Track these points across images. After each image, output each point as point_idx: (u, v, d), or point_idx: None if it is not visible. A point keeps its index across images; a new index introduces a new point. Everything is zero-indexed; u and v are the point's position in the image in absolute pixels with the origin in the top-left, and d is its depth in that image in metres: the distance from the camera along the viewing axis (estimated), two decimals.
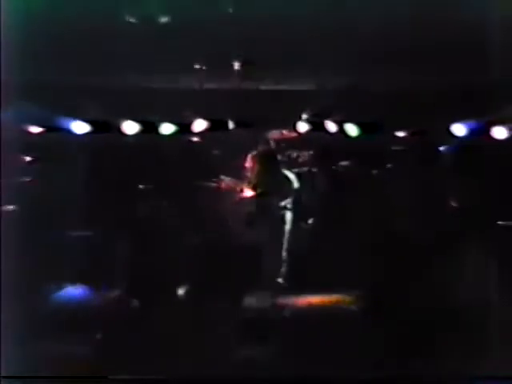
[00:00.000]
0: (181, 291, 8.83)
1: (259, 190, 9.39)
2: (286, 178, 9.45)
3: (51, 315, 8.07)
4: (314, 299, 8.73)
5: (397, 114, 9.28)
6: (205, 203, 9.49)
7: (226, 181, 9.60)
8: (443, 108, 9.17)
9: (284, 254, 9.29)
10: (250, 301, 8.60)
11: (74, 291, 8.73)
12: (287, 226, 9.37)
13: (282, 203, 9.40)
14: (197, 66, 9.12)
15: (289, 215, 9.38)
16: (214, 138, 9.76)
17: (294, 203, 9.43)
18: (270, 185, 9.44)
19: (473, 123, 9.53)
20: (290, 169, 9.58)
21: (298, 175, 9.51)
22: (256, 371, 7.31)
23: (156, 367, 7.13)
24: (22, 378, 6.82)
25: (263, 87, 9.48)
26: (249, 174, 9.52)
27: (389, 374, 7.04)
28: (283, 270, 9.27)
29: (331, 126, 9.61)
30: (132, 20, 8.06)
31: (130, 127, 9.59)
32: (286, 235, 9.36)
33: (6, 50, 7.19)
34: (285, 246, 9.34)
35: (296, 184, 9.46)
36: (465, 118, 9.49)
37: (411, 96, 9.17)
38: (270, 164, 9.51)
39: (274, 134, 9.75)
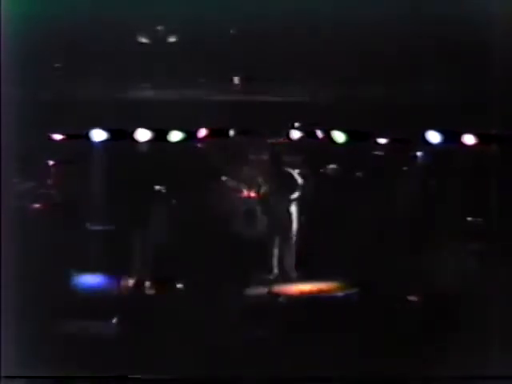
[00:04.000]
0: (186, 282, 9.35)
1: (261, 191, 10.12)
2: (290, 177, 10.00)
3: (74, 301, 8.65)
4: (306, 287, 9.41)
5: (379, 122, 9.87)
6: (210, 202, 10.09)
7: (229, 182, 10.25)
8: (419, 118, 9.75)
9: (276, 248, 9.97)
10: (249, 290, 9.21)
11: (93, 279, 9.46)
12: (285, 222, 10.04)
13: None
14: (202, 80, 9.88)
15: (288, 211, 10.01)
16: (216, 145, 10.32)
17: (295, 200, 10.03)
18: (271, 185, 10.11)
19: (445, 131, 10.19)
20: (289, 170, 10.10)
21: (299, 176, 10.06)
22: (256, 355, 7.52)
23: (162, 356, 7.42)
24: (21, 378, 6.85)
25: (260, 99, 10.00)
26: (250, 176, 10.25)
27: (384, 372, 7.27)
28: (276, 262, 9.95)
29: (320, 134, 10.27)
30: (143, 40, 8.96)
31: (143, 135, 10.23)
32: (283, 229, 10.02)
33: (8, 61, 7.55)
34: (278, 240, 10.03)
35: (298, 183, 10.03)
36: (438, 126, 10.11)
37: (392, 107, 9.78)
38: (269, 166, 10.17)
39: (270, 141, 10.36)
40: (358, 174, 10.38)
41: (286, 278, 9.79)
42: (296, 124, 10.25)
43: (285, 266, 9.97)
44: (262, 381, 7.19)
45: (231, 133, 10.24)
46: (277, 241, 10.03)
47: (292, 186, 10.10)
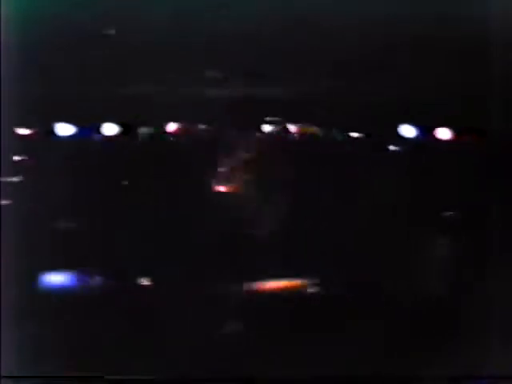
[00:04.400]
0: (157, 280, 9.03)
1: (245, 189, 9.92)
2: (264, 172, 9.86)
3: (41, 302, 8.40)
4: (277, 284, 9.26)
5: (352, 116, 9.78)
6: (183, 197, 9.92)
7: (213, 179, 9.99)
8: (393, 111, 9.69)
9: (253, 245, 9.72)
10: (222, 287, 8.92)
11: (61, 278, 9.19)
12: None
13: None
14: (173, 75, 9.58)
15: (265, 206, 9.83)
16: (194, 140, 10.10)
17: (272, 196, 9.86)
18: (245, 180, 9.93)
19: (419, 125, 10.05)
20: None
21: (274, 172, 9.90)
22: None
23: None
24: (22, 377, 7.02)
25: (237, 93, 9.86)
26: (230, 172, 9.99)
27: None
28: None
29: (293, 128, 10.12)
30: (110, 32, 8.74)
31: (110, 129, 9.98)
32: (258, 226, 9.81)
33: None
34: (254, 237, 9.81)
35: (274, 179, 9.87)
36: (412, 120, 10.00)
37: (365, 100, 9.66)
38: (255, 165, 10.00)
39: (248, 136, 10.16)
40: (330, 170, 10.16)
41: (263, 275, 9.55)
42: (268, 118, 10.16)
43: (262, 261, 9.72)
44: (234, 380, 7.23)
45: (202, 127, 10.17)
46: (254, 237, 9.83)
47: (267, 181, 9.97)
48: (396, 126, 9.99)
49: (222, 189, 9.81)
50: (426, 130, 10.05)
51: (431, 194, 9.69)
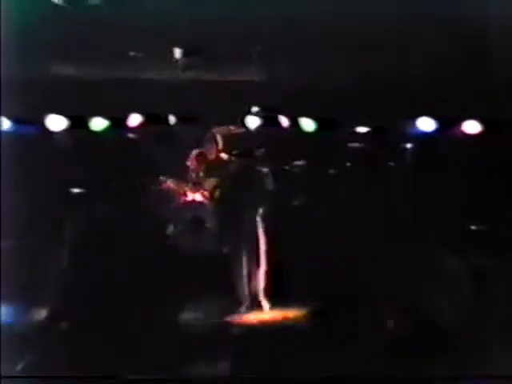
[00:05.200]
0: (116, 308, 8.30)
1: (216, 194, 8.90)
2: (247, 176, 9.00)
3: None
4: (267, 315, 8.48)
5: (356, 107, 8.77)
6: (143, 208, 8.86)
7: (167, 182, 8.97)
8: (407, 102, 8.67)
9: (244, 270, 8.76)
10: (196, 316, 8.33)
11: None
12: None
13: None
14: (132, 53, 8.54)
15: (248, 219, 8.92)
16: (152, 135, 9.09)
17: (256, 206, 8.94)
18: (224, 186, 8.96)
19: (440, 117, 9.01)
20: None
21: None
22: None
23: None
24: (22, 377, 7.05)
25: (207, 77, 8.88)
26: (193, 175, 8.98)
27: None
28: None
29: (284, 121, 9.04)
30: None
31: (57, 122, 8.86)
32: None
33: None
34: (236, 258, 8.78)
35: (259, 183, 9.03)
36: (430, 112, 8.99)
37: (372, 89, 8.63)
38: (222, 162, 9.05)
39: (220, 130, 9.07)
40: (332, 171, 9.19)
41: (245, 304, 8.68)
42: (253, 109, 9.01)
43: (245, 289, 8.72)
44: None
45: (172, 120, 9.05)
46: (235, 258, 8.74)
47: (251, 187, 8.95)
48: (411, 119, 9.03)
49: (195, 198, 8.94)
50: (448, 124, 9.04)
51: (455, 203, 8.78)
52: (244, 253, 8.70)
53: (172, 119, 9.02)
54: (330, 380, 7.37)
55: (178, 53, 8.59)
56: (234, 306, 8.55)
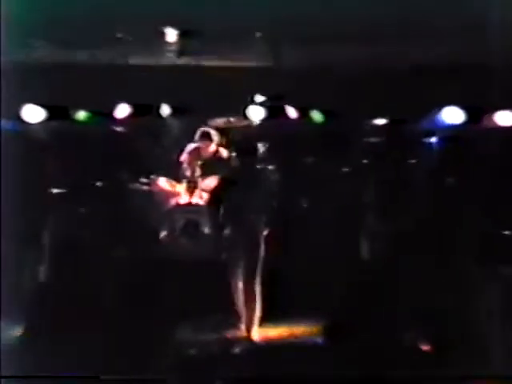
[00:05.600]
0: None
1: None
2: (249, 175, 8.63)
3: None
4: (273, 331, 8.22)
5: (374, 97, 8.31)
6: (132, 211, 8.57)
7: (159, 182, 8.59)
8: (431, 90, 8.27)
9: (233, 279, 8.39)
10: (189, 333, 8.12)
11: None
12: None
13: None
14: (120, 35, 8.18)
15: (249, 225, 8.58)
16: (142, 128, 8.78)
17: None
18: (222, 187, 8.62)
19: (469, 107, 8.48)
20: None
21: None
22: None
23: None
24: (22, 377, 7.19)
25: (205, 63, 8.60)
26: (188, 174, 8.56)
27: None
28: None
29: (292, 112, 8.61)
30: None
31: (33, 114, 8.48)
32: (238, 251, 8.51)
33: None
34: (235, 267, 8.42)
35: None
36: (457, 101, 8.49)
37: (392, 75, 8.25)
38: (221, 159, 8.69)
39: (219, 123, 8.72)
40: (346, 169, 8.74)
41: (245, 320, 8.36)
42: (257, 98, 8.61)
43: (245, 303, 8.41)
44: None
45: (164, 111, 8.67)
46: (233, 268, 8.39)
47: (254, 187, 8.58)
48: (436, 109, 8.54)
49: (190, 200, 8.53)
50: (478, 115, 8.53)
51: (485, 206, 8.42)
52: (242, 262, 8.42)
53: (164, 110, 8.70)
54: None
55: (171, 34, 8.23)
56: (235, 320, 8.24)
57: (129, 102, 8.65)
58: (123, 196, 8.61)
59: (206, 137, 8.57)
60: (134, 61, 8.54)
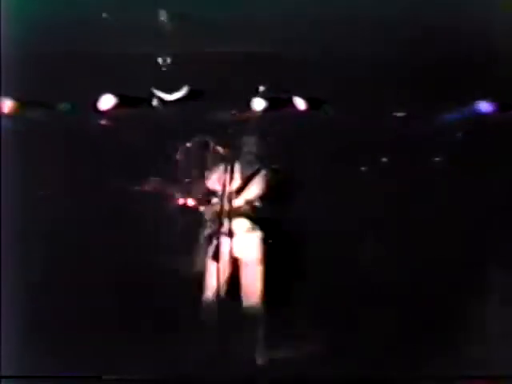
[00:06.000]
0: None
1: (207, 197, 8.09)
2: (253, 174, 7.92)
3: None
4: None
5: (394, 88, 7.88)
6: (122, 214, 8.47)
7: (151, 182, 8.27)
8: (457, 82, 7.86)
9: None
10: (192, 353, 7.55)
11: None
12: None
13: None
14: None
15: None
16: (130, 120, 8.52)
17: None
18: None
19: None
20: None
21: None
22: None
23: None
24: (22, 377, 7.14)
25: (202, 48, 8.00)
26: (184, 173, 8.14)
27: None
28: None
29: (300, 103, 8.17)
30: None
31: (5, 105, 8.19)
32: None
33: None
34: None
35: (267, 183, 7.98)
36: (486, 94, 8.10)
37: (415, 66, 7.76)
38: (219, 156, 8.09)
39: (218, 116, 8.24)
40: (363, 168, 8.55)
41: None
42: (261, 88, 8.14)
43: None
44: None
45: (155, 102, 8.36)
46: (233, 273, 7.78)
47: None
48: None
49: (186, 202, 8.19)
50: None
51: None
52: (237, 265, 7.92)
53: (155, 101, 8.37)
54: None
55: (164, 16, 7.63)
56: None
57: (114, 93, 8.18)
58: (112, 198, 8.39)
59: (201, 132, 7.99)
60: (121, 45, 7.80)
